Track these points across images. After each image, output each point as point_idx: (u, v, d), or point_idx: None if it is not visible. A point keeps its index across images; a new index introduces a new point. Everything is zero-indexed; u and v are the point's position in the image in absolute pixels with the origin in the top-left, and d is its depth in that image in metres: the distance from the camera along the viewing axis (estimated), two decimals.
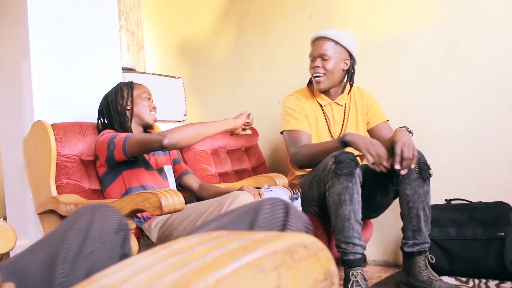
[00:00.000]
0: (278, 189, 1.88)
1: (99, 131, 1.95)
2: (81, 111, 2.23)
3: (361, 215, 1.90)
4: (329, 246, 2.17)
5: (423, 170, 1.93)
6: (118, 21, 2.52)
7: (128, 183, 1.80)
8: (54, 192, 1.80)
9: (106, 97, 1.98)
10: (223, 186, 2.11)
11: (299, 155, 2.13)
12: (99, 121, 1.98)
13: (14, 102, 2.23)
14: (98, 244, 0.87)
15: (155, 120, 2.00)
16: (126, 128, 1.91)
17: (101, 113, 1.97)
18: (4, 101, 2.30)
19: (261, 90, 3.07)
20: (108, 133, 1.82)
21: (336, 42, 2.20)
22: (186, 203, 1.48)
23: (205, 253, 0.35)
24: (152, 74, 2.75)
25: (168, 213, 1.33)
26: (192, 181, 2.07)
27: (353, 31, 2.40)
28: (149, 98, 1.99)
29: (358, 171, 1.88)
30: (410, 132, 1.99)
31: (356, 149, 1.92)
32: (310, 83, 2.36)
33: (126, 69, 2.62)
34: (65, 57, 2.23)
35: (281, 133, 2.31)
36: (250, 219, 0.75)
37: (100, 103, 1.99)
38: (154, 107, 2.00)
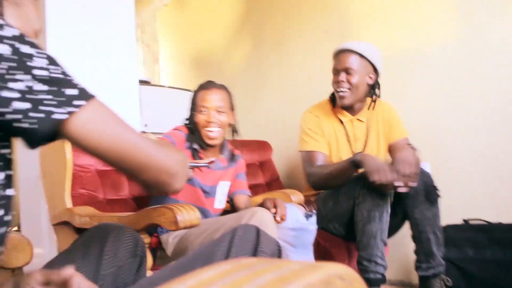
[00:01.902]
0: (293, 206, 1.85)
1: None
2: None
3: (386, 234, 1.87)
4: (348, 263, 2.14)
5: (430, 193, 1.89)
6: (135, 34, 2.53)
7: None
8: (69, 204, 1.79)
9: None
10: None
11: (313, 177, 2.10)
12: None
13: None
14: (112, 268, 0.85)
15: (210, 138, 1.79)
16: (195, 137, 1.82)
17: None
18: None
19: (276, 103, 3.06)
20: (175, 131, 1.80)
21: (361, 55, 2.10)
22: None
23: (239, 284, 0.33)
24: (168, 87, 2.76)
25: (184, 228, 1.32)
26: (239, 202, 1.94)
27: None
28: (205, 111, 1.79)
29: (390, 191, 1.85)
30: (413, 148, 1.95)
31: (364, 169, 1.86)
32: (331, 97, 2.26)
33: (142, 82, 2.63)
34: (81, 69, 2.24)
35: (300, 151, 2.27)
36: (228, 243, 0.85)
37: None
38: (209, 122, 1.77)
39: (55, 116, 0.63)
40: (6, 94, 0.60)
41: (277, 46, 3.07)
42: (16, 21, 0.77)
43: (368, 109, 2.24)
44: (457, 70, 2.41)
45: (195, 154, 1.81)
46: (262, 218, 1.43)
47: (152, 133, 2.53)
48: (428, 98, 2.49)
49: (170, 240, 1.68)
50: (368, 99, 2.24)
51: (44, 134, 0.64)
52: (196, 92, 1.86)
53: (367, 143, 2.24)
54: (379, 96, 2.22)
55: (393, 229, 2.12)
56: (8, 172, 0.71)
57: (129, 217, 1.42)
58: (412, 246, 2.03)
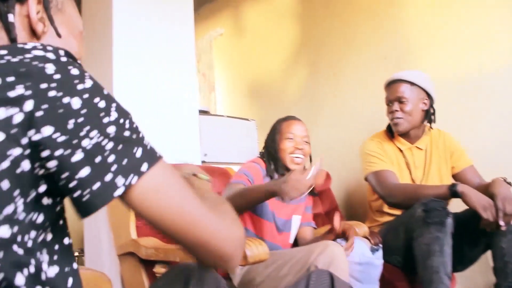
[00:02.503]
0: (358, 240, 1.79)
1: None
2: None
3: (451, 268, 1.77)
4: None
5: None
6: (195, 64, 2.58)
7: (243, 222, 1.76)
8: (133, 234, 1.81)
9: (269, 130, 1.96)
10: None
11: (395, 192, 2.03)
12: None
13: None
14: None
15: (295, 163, 1.83)
16: (276, 167, 1.85)
17: (264, 143, 1.95)
18: None
19: (333, 132, 3.02)
20: (252, 164, 1.81)
21: (412, 83, 2.14)
22: None
23: None
24: (227, 116, 2.78)
25: (253, 263, 1.29)
26: (304, 233, 1.94)
27: (429, 73, 2.32)
28: (292, 138, 1.84)
29: (449, 221, 1.76)
30: (509, 184, 1.86)
31: (468, 203, 1.80)
32: (388, 128, 2.30)
33: (201, 112, 2.67)
34: (143, 99, 2.30)
35: (365, 179, 2.22)
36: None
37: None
38: (297, 148, 1.83)
39: (115, 192, 0.56)
40: (75, 158, 0.54)
41: (333, 73, 3.04)
42: (63, 27, 0.75)
43: (429, 135, 2.24)
44: None
45: None
46: (333, 253, 1.39)
47: (211, 162, 2.56)
48: (495, 126, 2.37)
49: (237, 270, 1.67)
50: (427, 127, 2.25)
51: (100, 207, 0.56)
52: (279, 122, 1.92)
53: (428, 171, 2.21)
54: (435, 122, 2.22)
55: (472, 259, 2.03)
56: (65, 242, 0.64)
57: None
58: (485, 282, 1.92)
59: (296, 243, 1.94)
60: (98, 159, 0.55)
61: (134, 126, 0.61)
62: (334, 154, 2.91)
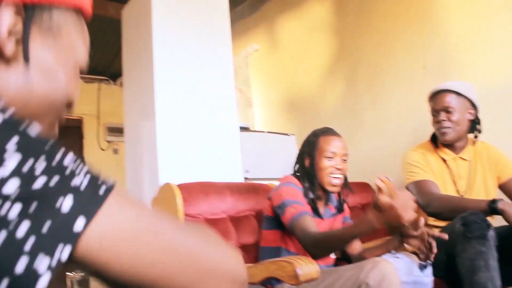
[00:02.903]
0: (405, 257, 1.75)
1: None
2: (201, 170, 2.29)
3: (500, 283, 1.71)
4: None
5: None
6: (234, 82, 2.60)
7: (281, 241, 1.74)
8: None
9: (303, 142, 1.89)
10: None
11: (435, 202, 2.00)
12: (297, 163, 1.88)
13: (139, 163, 2.36)
14: None
15: (333, 185, 1.76)
16: (311, 186, 1.78)
17: (298, 157, 1.88)
18: (131, 162, 2.44)
19: (374, 144, 2.98)
20: (290, 186, 1.74)
21: (458, 93, 2.12)
22: None
23: None
24: (267, 132, 2.79)
25: (304, 282, 1.28)
26: (353, 244, 1.89)
27: (470, 81, 2.27)
28: (332, 157, 1.76)
29: (491, 233, 1.70)
30: None
31: (509, 221, 1.75)
32: (432, 138, 2.27)
33: (241, 128, 2.69)
34: (186, 118, 2.33)
35: (407, 188, 2.19)
36: None
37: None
38: (337, 168, 1.75)
39: (38, 284, 0.34)
40: None
41: (372, 85, 3.01)
42: (50, 53, 0.51)
43: (473, 145, 2.21)
44: None
45: (313, 206, 1.79)
46: (384, 269, 1.36)
47: (253, 178, 2.56)
48: None
49: None
50: (470, 138, 2.22)
51: None
52: (318, 136, 1.84)
53: (472, 182, 2.16)
54: (480, 132, 2.18)
55: None
56: None
57: (248, 270, 1.41)
58: None
59: (343, 257, 1.92)
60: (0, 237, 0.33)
61: (55, 162, 0.37)
62: (375, 167, 2.87)
